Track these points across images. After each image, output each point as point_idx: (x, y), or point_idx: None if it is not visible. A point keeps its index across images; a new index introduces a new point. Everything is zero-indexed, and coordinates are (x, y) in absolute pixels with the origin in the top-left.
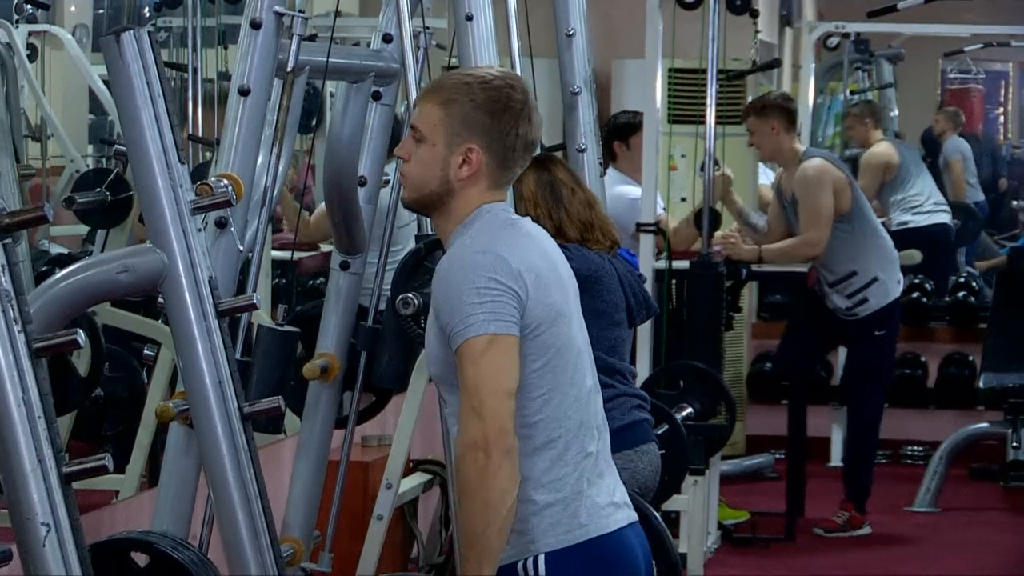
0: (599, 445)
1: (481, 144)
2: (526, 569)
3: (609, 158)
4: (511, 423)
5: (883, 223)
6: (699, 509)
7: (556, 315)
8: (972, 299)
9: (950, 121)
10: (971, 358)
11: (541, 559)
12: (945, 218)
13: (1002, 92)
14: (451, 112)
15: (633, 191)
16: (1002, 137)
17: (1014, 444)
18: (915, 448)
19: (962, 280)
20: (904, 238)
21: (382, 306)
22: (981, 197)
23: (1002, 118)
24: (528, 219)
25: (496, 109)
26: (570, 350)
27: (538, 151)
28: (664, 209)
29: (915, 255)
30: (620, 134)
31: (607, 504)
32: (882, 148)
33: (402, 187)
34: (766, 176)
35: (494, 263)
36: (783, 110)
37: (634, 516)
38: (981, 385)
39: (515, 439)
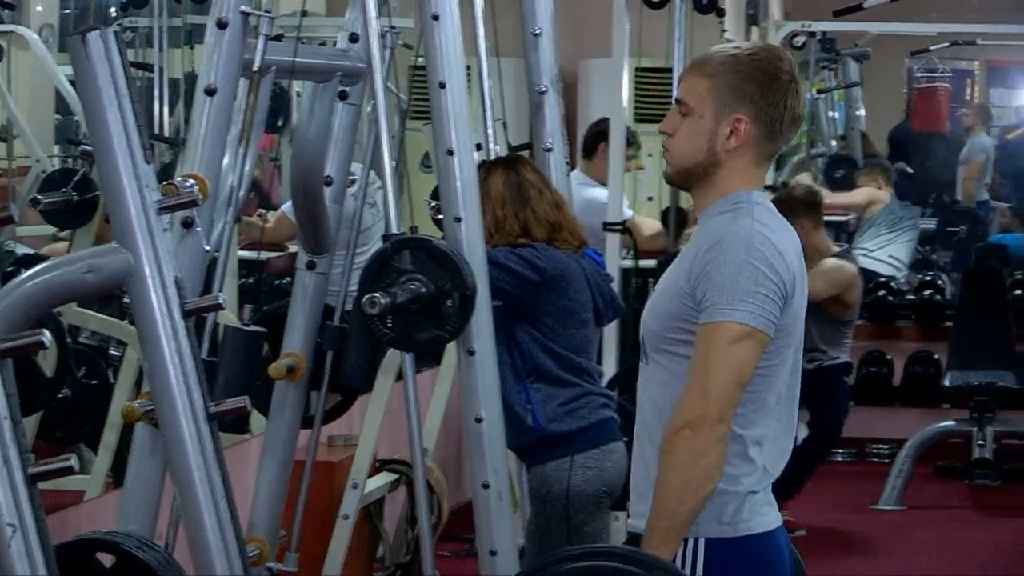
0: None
1: (749, 115)
2: (684, 552)
3: (587, 155)
4: (731, 413)
5: None
6: None
7: (790, 329)
8: (938, 297)
9: (979, 116)
10: (937, 356)
11: (702, 543)
12: (886, 271)
13: (968, 91)
14: (719, 83)
15: (604, 195)
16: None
17: (979, 442)
18: (881, 446)
19: (928, 279)
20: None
21: (349, 306)
22: (986, 197)
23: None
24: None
25: (765, 80)
26: (785, 366)
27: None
28: (631, 209)
29: None
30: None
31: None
32: (881, 192)
33: (666, 163)
34: None
35: (779, 260)
36: (809, 206)
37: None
38: (947, 383)
39: (729, 432)
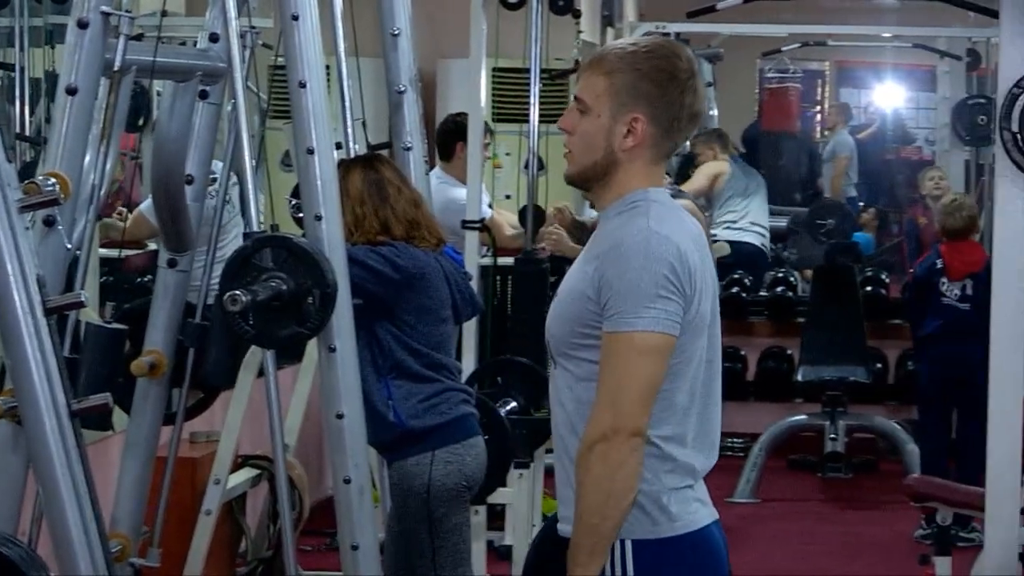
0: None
1: (646, 114)
2: (612, 558)
3: (444, 157)
4: (646, 422)
5: None
6: (524, 501)
7: (696, 324)
8: (790, 294)
9: (841, 114)
10: (789, 352)
11: (629, 545)
12: (755, 239)
13: (819, 90)
14: (616, 81)
15: (464, 196)
16: (819, 135)
17: (831, 436)
18: (735, 440)
19: (780, 275)
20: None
21: (210, 303)
22: (854, 193)
23: (819, 116)
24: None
25: (662, 78)
26: (693, 361)
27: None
28: (490, 205)
29: (724, 247)
30: (464, 135)
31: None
32: (718, 163)
33: (566, 162)
34: None
35: (678, 259)
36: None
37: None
38: (799, 378)
39: (644, 439)
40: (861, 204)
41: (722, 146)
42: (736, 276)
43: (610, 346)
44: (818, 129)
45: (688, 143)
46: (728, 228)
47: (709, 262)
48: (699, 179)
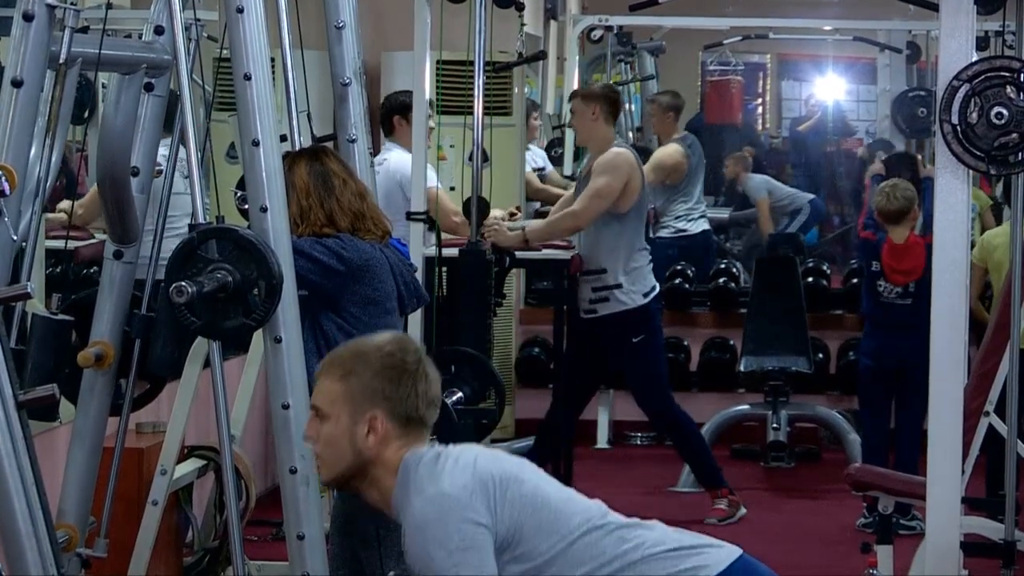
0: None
1: (384, 411)
2: None
3: (387, 132)
4: None
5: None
6: None
7: (527, 502)
8: (732, 285)
9: (739, 164)
10: (732, 342)
11: None
12: (705, 223)
13: (760, 83)
14: (351, 385)
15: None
16: (761, 127)
17: (774, 425)
18: None
19: (722, 266)
20: (679, 245)
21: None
22: (810, 196)
23: (760, 108)
24: (450, 446)
25: (393, 376)
26: (552, 506)
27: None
28: (438, 185)
29: None
30: (402, 110)
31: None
32: (673, 151)
33: (319, 469)
34: (533, 164)
35: (453, 505)
36: (607, 99)
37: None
38: (742, 368)
39: None
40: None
41: (676, 115)
42: (679, 267)
43: None
44: (760, 122)
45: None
46: (691, 220)
47: (488, 454)
48: (657, 174)
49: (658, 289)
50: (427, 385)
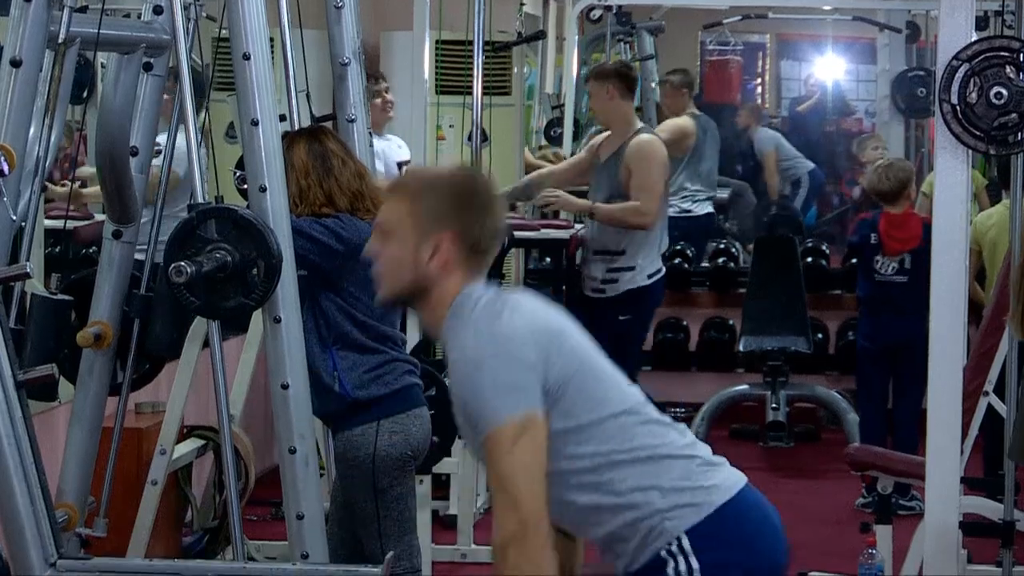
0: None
1: (450, 235)
2: (672, 553)
3: None
4: (545, 507)
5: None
6: (469, 471)
7: (571, 366)
8: (731, 265)
9: (752, 115)
10: (731, 322)
11: (687, 542)
12: (710, 205)
13: (760, 63)
14: (419, 206)
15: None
16: (760, 106)
17: (773, 405)
18: (677, 410)
19: (722, 247)
20: (682, 226)
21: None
22: (812, 165)
23: (760, 88)
24: (512, 292)
25: (462, 203)
26: (586, 381)
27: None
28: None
29: None
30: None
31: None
32: (683, 121)
33: (378, 286)
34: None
35: (515, 332)
36: (620, 76)
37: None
38: (740, 348)
39: (548, 523)
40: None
41: (691, 92)
42: (679, 248)
43: (488, 450)
44: (759, 102)
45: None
46: (697, 202)
47: (549, 307)
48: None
49: (663, 272)
50: (494, 217)
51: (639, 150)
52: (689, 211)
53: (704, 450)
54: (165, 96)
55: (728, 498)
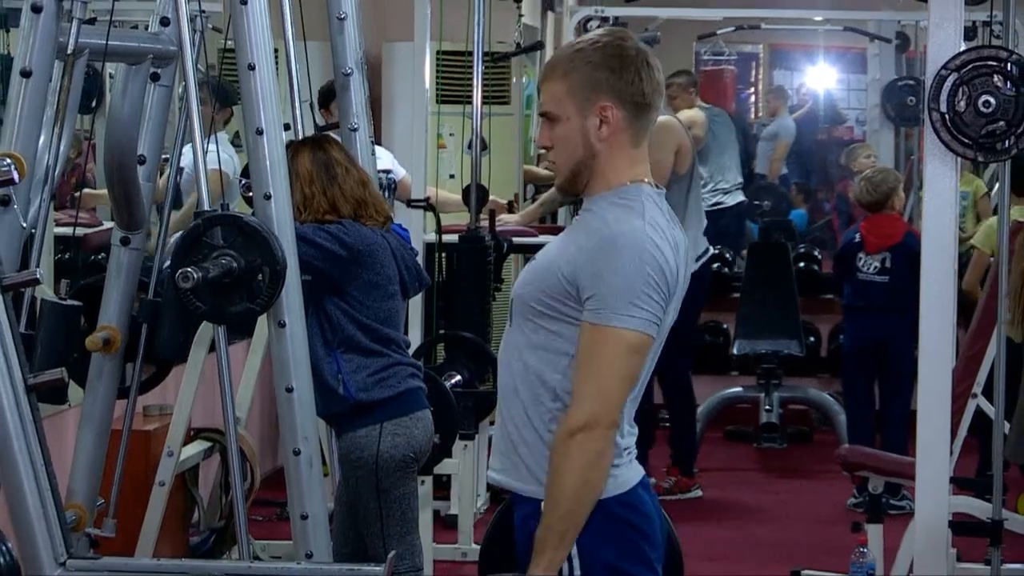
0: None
1: (613, 100)
2: None
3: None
4: (620, 415)
5: None
6: (469, 472)
7: (665, 328)
8: (726, 270)
9: (779, 98)
10: (725, 326)
11: None
12: (741, 195)
13: (753, 72)
14: (573, 81)
15: None
16: (753, 115)
17: (766, 407)
18: None
19: (716, 252)
20: (714, 218)
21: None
22: (786, 171)
23: (753, 97)
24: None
25: (614, 63)
26: (651, 360)
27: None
28: (403, 168)
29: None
30: (325, 101)
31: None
32: (693, 113)
33: (555, 175)
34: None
35: (667, 264)
36: None
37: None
38: (735, 352)
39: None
40: (794, 183)
41: (697, 90)
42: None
43: (597, 338)
44: (752, 110)
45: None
46: (727, 193)
47: (683, 268)
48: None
49: (711, 252)
50: (650, 70)
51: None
52: (721, 203)
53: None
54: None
55: (622, 492)
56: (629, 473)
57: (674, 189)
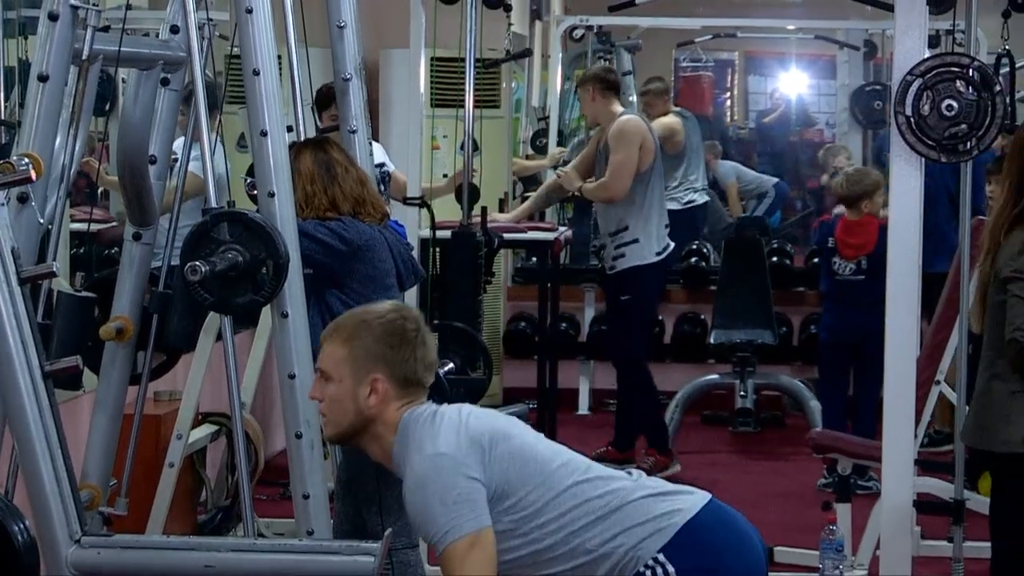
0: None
1: (384, 373)
2: (649, 566)
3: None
4: None
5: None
6: None
7: (515, 459)
8: (703, 264)
9: (711, 151)
10: (703, 317)
11: (661, 556)
12: (707, 195)
13: (729, 78)
14: (354, 349)
15: None
16: (729, 119)
17: (741, 393)
18: None
19: (695, 247)
20: (691, 216)
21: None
22: (775, 180)
23: (729, 102)
24: (445, 406)
25: (394, 341)
26: (539, 461)
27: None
28: (392, 168)
29: None
30: (325, 106)
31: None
32: (670, 119)
33: (323, 426)
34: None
35: (459, 452)
36: (597, 79)
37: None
38: (712, 341)
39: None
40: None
41: (670, 98)
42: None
43: (443, 565)
44: (728, 114)
45: (637, 96)
46: (689, 191)
47: (479, 412)
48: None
49: (672, 247)
50: (425, 350)
51: (614, 131)
52: (693, 201)
53: (654, 483)
54: (181, 115)
55: (690, 517)
56: (688, 502)
57: (634, 186)
